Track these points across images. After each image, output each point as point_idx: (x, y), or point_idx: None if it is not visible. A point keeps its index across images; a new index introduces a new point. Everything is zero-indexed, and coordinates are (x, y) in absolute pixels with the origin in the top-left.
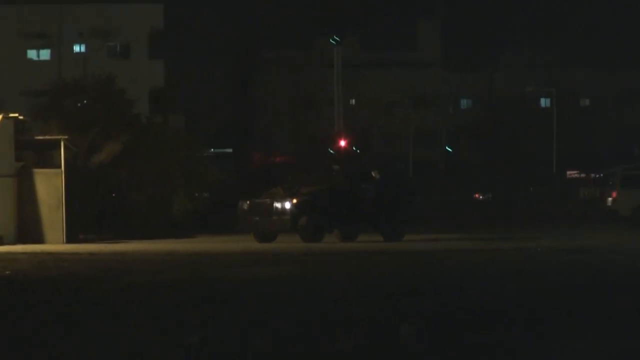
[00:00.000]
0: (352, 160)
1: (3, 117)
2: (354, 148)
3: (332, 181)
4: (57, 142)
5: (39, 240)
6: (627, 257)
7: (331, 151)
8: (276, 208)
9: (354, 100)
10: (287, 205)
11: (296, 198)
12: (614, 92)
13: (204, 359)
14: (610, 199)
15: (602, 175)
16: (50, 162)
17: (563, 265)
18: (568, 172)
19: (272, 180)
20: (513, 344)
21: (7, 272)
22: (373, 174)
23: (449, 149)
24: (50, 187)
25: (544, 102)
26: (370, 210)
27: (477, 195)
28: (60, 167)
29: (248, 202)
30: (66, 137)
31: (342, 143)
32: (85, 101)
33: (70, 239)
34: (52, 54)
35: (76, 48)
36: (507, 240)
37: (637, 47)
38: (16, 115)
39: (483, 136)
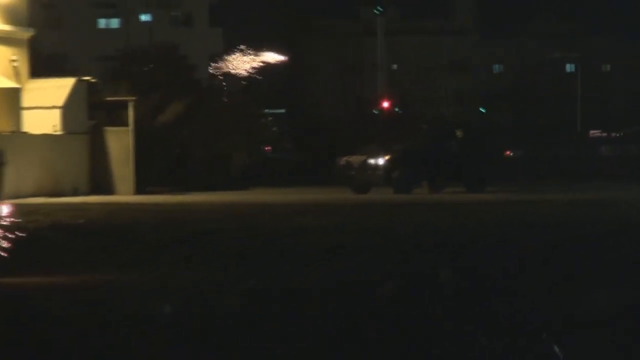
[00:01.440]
0: (436, 120)
1: (77, 80)
2: (395, 109)
3: (420, 139)
4: (126, 103)
5: (110, 192)
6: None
7: (375, 112)
8: (370, 164)
9: (395, 66)
10: (381, 161)
11: (388, 155)
12: (633, 58)
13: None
14: None
15: (622, 134)
16: (120, 121)
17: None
18: (591, 132)
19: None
20: None
21: (81, 221)
22: (457, 132)
23: (483, 110)
24: (120, 143)
25: (568, 67)
26: (455, 164)
27: (507, 152)
28: (128, 125)
29: (345, 158)
30: (134, 98)
31: (385, 105)
32: (151, 66)
33: (139, 191)
34: (120, 23)
35: (142, 17)
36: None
37: None
38: (89, 78)
39: (513, 98)
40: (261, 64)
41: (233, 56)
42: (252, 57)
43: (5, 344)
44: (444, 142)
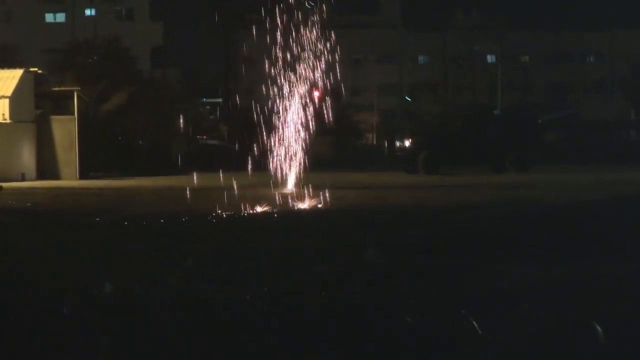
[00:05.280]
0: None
1: (24, 72)
2: (326, 98)
3: (450, 123)
4: (71, 93)
5: (56, 177)
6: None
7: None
8: (399, 146)
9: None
10: (406, 143)
11: (412, 138)
12: (549, 50)
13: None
14: None
15: (540, 121)
16: (65, 110)
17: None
18: None
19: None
20: None
21: (28, 204)
22: (494, 112)
23: (408, 99)
24: (65, 131)
25: (489, 58)
26: (489, 147)
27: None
28: (74, 114)
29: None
30: (79, 88)
31: (316, 94)
32: (95, 58)
33: (83, 176)
34: (66, 17)
35: (87, 12)
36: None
37: (570, 11)
38: (36, 69)
39: (437, 88)
40: None
41: None
42: None
43: None
44: (479, 126)
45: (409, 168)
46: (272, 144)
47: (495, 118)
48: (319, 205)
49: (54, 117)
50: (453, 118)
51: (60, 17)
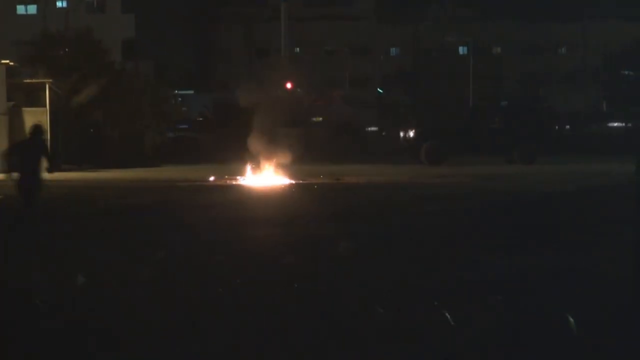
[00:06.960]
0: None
1: None
2: (298, 90)
3: (454, 113)
4: (43, 85)
5: None
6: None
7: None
8: (404, 137)
9: (298, 49)
10: (411, 134)
11: (415, 129)
12: (521, 41)
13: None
14: None
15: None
16: (37, 102)
17: None
18: None
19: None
20: None
21: (0, 197)
22: (501, 103)
23: (380, 91)
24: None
25: (461, 50)
26: (496, 138)
27: None
28: (46, 106)
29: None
30: (51, 80)
31: (289, 85)
32: (67, 50)
33: (54, 168)
34: (38, 9)
35: (59, 4)
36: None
37: (542, 1)
38: (7, 62)
39: (409, 80)
40: None
41: None
42: None
43: None
44: (485, 117)
45: (412, 158)
46: (251, 135)
47: (501, 109)
48: None
49: (25, 109)
50: (458, 109)
51: (32, 9)
